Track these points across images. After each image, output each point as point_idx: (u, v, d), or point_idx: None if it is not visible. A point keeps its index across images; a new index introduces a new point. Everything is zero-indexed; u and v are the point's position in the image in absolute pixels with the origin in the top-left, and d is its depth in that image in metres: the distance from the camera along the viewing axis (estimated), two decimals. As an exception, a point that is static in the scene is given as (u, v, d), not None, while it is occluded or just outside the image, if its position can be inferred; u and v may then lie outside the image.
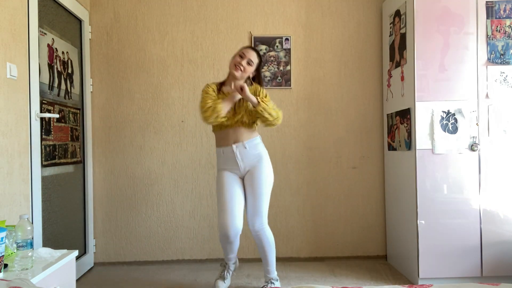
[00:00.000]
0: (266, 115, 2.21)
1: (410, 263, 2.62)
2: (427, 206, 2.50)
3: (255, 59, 2.28)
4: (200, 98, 2.27)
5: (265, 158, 2.34)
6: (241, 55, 2.26)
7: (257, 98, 2.21)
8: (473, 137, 2.50)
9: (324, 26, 3.13)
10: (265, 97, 2.29)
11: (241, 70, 2.23)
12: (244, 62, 2.24)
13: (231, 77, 2.31)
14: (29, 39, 2.14)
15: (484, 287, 1.34)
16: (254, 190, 2.28)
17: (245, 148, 2.28)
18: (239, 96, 2.23)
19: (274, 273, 2.40)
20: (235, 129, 2.27)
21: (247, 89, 2.17)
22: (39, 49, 2.25)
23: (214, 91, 2.28)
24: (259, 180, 2.29)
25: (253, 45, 3.05)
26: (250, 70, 2.28)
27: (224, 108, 2.18)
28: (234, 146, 2.26)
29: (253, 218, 2.29)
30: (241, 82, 2.24)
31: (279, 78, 3.09)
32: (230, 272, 2.50)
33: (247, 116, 2.27)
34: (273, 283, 2.37)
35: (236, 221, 2.23)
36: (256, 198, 2.29)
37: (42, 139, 2.27)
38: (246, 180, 2.32)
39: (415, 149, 2.52)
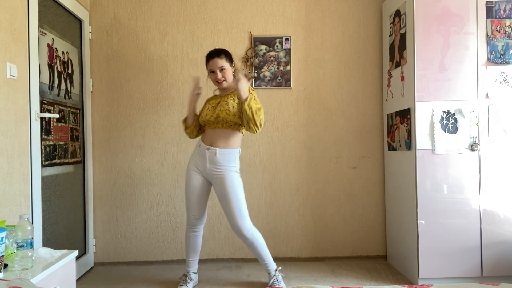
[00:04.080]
0: (249, 113, 2.19)
1: (410, 263, 2.62)
2: (427, 206, 2.50)
3: (222, 62, 2.33)
4: None
5: (230, 174, 2.34)
6: (211, 71, 2.37)
7: (248, 97, 2.22)
8: (473, 137, 2.50)
9: (324, 26, 3.13)
10: (255, 98, 2.31)
11: (224, 80, 2.36)
12: (219, 74, 2.34)
13: (220, 89, 2.48)
14: (29, 39, 2.14)
15: (484, 287, 1.34)
16: (225, 195, 2.33)
17: (215, 156, 2.32)
18: (196, 96, 2.47)
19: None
20: (215, 131, 2.37)
21: (242, 83, 2.20)
22: (39, 49, 2.25)
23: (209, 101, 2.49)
24: (228, 186, 2.33)
25: (253, 45, 3.06)
26: (229, 73, 2.38)
27: (188, 116, 2.49)
28: (209, 148, 2.35)
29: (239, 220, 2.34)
30: (240, 77, 2.22)
31: (279, 78, 3.09)
32: (190, 284, 2.49)
33: (226, 115, 2.30)
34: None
35: (201, 211, 2.46)
36: (229, 202, 2.33)
37: (42, 139, 2.27)
38: (215, 186, 2.40)
39: (415, 149, 2.52)
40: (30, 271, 1.51)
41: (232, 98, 2.35)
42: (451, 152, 2.51)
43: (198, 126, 2.51)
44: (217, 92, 2.54)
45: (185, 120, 2.52)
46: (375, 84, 3.14)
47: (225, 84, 2.38)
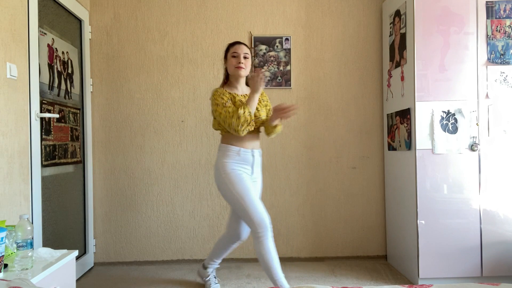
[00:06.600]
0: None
1: (410, 263, 2.62)
2: (427, 206, 2.50)
3: (248, 50, 2.30)
4: (218, 109, 2.15)
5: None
6: (234, 55, 2.26)
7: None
8: (473, 137, 2.50)
9: (324, 26, 3.13)
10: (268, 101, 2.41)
11: (243, 68, 2.24)
12: (242, 60, 2.24)
13: (233, 79, 2.30)
14: (29, 39, 2.14)
15: (484, 287, 1.34)
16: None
17: (260, 157, 2.31)
18: (259, 91, 2.16)
19: None
20: (253, 135, 2.25)
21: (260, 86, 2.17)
22: (39, 49, 2.25)
23: (227, 98, 2.20)
24: (260, 190, 2.36)
25: (253, 45, 3.06)
26: (250, 63, 2.30)
27: (252, 109, 2.15)
28: (254, 151, 2.24)
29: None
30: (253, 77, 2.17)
31: (279, 78, 3.09)
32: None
33: (265, 114, 2.29)
34: None
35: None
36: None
37: (42, 139, 2.27)
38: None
39: (415, 149, 2.52)
40: (30, 271, 1.51)
41: (261, 103, 2.32)
42: (451, 152, 2.51)
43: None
44: (233, 90, 2.28)
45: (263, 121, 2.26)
46: (375, 84, 3.14)
47: (242, 73, 2.25)
